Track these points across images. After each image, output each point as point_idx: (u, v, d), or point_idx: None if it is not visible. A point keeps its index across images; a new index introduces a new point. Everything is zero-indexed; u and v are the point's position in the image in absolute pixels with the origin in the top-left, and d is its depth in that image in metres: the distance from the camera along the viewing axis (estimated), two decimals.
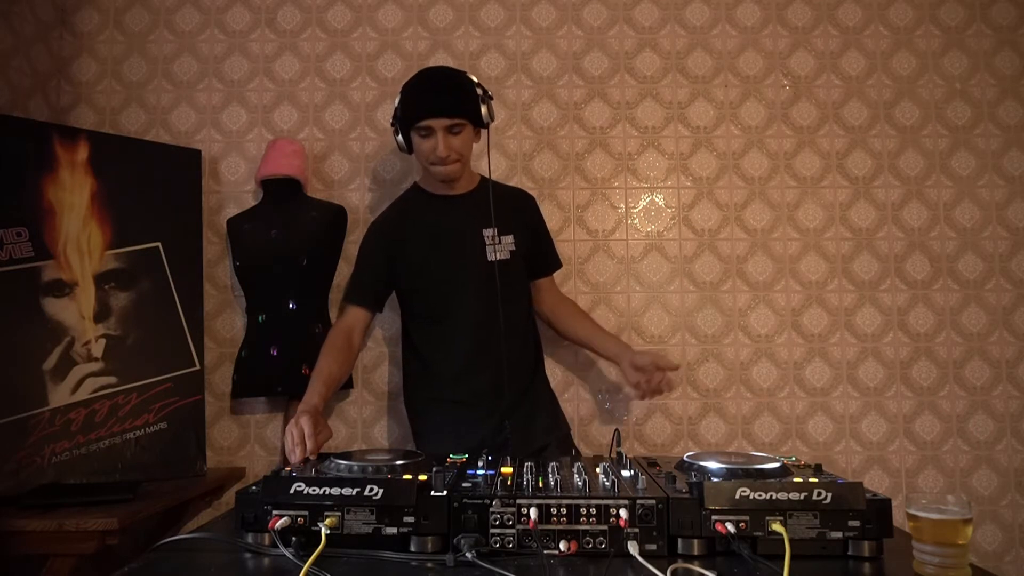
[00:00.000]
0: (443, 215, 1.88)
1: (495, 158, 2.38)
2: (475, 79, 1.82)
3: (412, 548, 1.03)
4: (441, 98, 1.75)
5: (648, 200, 2.37)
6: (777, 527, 0.99)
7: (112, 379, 1.96)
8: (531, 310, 2.02)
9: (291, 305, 2.22)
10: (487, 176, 1.90)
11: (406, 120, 1.78)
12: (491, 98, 1.84)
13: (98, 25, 2.41)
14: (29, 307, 1.88)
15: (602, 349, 1.99)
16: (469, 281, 1.84)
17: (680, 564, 0.95)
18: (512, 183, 2.36)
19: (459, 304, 1.85)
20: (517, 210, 1.95)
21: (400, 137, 1.83)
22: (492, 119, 1.83)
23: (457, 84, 1.78)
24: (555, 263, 2.09)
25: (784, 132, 2.38)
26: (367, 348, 2.32)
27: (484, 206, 1.83)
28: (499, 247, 1.85)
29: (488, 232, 1.85)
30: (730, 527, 1.00)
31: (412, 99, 1.78)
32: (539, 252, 2.01)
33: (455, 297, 1.85)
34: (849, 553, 1.02)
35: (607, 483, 1.10)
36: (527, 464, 1.21)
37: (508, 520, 1.02)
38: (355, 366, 2.29)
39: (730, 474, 1.11)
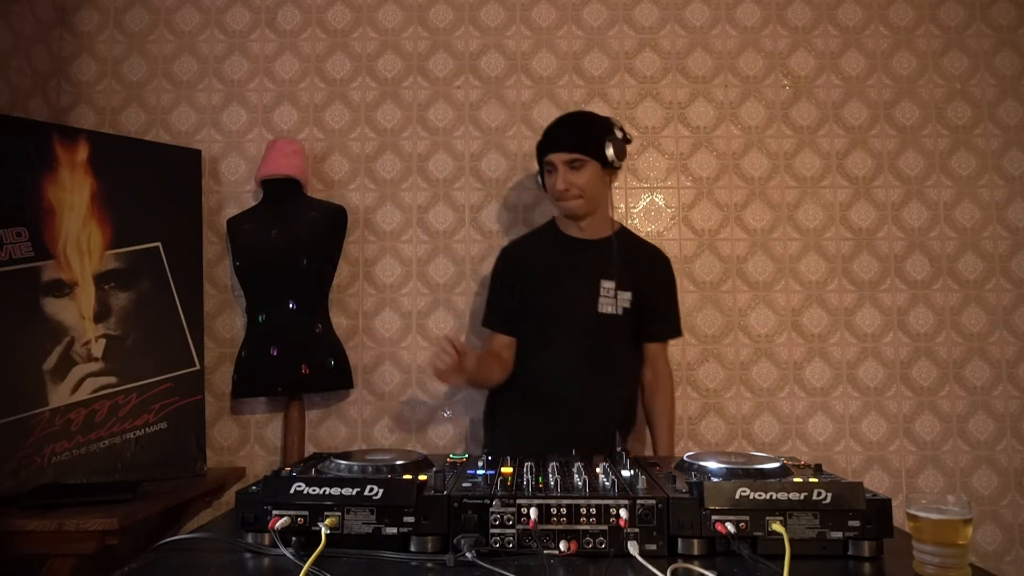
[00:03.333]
0: (566, 256, 1.88)
1: (496, 158, 2.38)
2: (617, 122, 1.85)
3: (412, 548, 1.03)
4: (562, 134, 1.81)
5: (648, 200, 2.37)
6: (777, 527, 0.99)
7: (112, 379, 1.97)
8: (634, 370, 1.94)
9: (291, 305, 2.22)
10: (626, 227, 1.95)
11: (537, 158, 1.88)
12: (628, 141, 1.86)
13: (98, 25, 2.41)
14: (29, 307, 1.88)
15: (652, 436, 1.96)
16: (574, 328, 1.83)
17: (680, 564, 0.95)
18: (511, 183, 2.37)
19: (557, 347, 1.84)
20: (645, 270, 1.90)
21: (539, 176, 1.92)
22: (621, 158, 1.82)
23: (582, 122, 1.84)
24: (668, 331, 1.97)
25: (784, 132, 2.38)
26: (367, 348, 2.32)
27: (610, 258, 1.84)
28: (612, 301, 1.83)
29: (606, 285, 1.84)
30: (730, 527, 1.00)
31: (543, 136, 1.86)
32: (656, 316, 1.92)
33: (556, 340, 1.84)
34: (849, 553, 1.02)
35: (607, 483, 1.09)
36: (527, 464, 1.21)
37: (508, 520, 1.02)
38: (355, 366, 2.30)
39: (730, 474, 1.11)
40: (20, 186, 1.90)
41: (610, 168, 1.83)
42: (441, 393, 2.32)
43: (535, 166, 2.36)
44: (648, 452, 2.02)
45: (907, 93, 2.39)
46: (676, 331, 1.99)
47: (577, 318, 1.83)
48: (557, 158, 1.79)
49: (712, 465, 1.15)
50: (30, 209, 1.91)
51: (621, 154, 1.82)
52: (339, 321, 2.31)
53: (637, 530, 1.01)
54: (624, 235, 1.93)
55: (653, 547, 1.01)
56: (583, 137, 1.79)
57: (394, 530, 1.02)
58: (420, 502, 1.03)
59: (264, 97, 2.40)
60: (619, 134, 1.83)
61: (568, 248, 1.89)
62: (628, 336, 1.90)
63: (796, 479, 1.06)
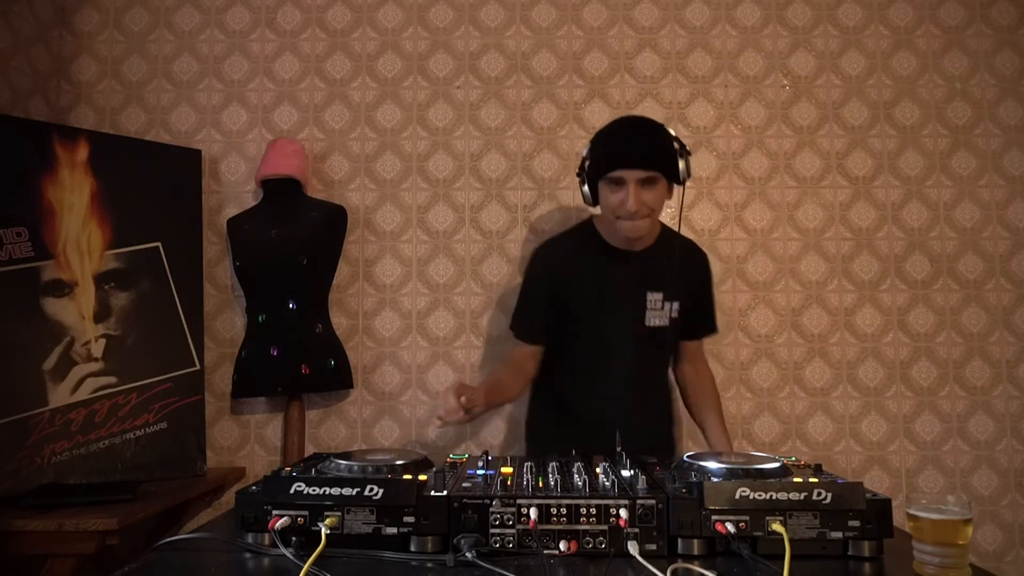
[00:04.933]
0: (611, 269, 1.75)
1: (496, 158, 2.38)
2: (673, 132, 1.68)
3: (412, 548, 1.03)
4: (637, 148, 1.61)
5: None
6: (777, 527, 0.99)
7: (112, 379, 1.97)
8: (668, 372, 1.91)
9: (291, 305, 2.22)
10: (666, 225, 1.81)
11: (597, 167, 1.63)
12: (689, 153, 1.69)
13: (98, 25, 2.41)
14: (29, 307, 1.88)
15: (705, 434, 1.87)
16: (619, 342, 1.75)
17: (680, 564, 0.95)
18: (512, 183, 2.37)
19: (606, 367, 1.76)
20: (688, 273, 1.80)
21: (586, 187, 1.69)
22: (689, 175, 1.68)
23: (655, 134, 1.64)
24: (708, 328, 1.91)
25: (784, 132, 2.38)
26: (367, 348, 2.32)
27: (656, 268, 1.74)
28: (660, 313, 1.75)
29: (653, 297, 1.74)
30: (730, 527, 1.00)
31: (606, 147, 1.64)
32: (695, 315, 1.85)
33: (602, 353, 1.75)
34: (849, 553, 1.02)
35: (607, 483, 1.09)
36: (527, 464, 1.21)
37: (508, 520, 1.02)
38: (355, 366, 2.30)
39: (730, 474, 1.11)
40: (20, 186, 1.90)
41: (676, 183, 1.67)
42: (441, 393, 2.32)
43: (534, 166, 2.37)
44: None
45: (907, 93, 2.39)
46: (715, 327, 1.93)
47: (625, 335, 1.74)
48: (630, 175, 1.58)
49: (712, 465, 1.15)
50: (30, 209, 1.91)
51: (690, 170, 1.68)
52: (339, 321, 2.31)
53: (637, 530, 1.01)
54: (666, 239, 1.79)
55: (653, 547, 1.01)
56: (660, 152, 1.62)
57: (394, 530, 1.03)
58: (420, 502, 1.03)
59: (264, 97, 2.40)
60: (678, 145, 1.66)
61: (613, 260, 1.74)
62: (670, 346, 1.85)
63: (796, 479, 1.06)
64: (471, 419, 1.53)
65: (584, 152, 1.72)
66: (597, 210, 1.74)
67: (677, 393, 1.96)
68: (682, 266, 1.76)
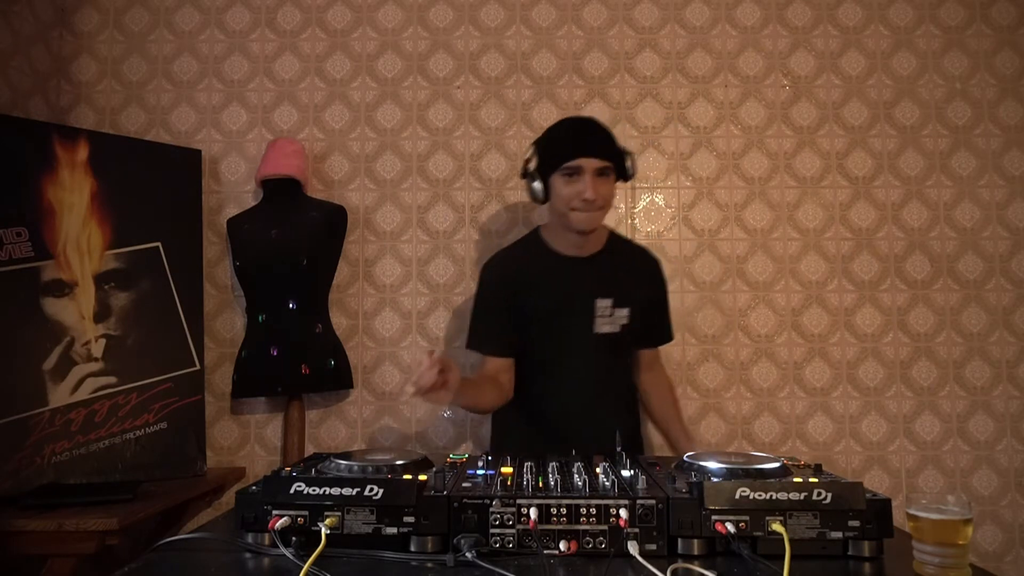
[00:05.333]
0: (559, 277, 1.76)
1: (496, 158, 2.38)
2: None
3: (412, 548, 1.03)
4: (594, 138, 1.68)
5: (648, 200, 2.38)
6: (777, 527, 0.99)
7: (112, 379, 1.97)
8: (630, 382, 1.92)
9: (291, 305, 2.22)
10: (614, 231, 1.84)
11: (552, 160, 1.67)
12: (632, 153, 1.75)
13: (98, 25, 2.41)
14: (29, 307, 1.88)
15: (669, 440, 1.90)
16: (573, 349, 1.75)
17: (680, 564, 0.95)
18: (511, 183, 2.37)
19: (556, 368, 1.77)
20: (639, 279, 1.82)
21: (537, 183, 1.70)
22: (635, 174, 1.75)
23: (606, 130, 1.71)
24: (662, 336, 1.93)
25: (784, 132, 2.38)
26: (367, 348, 2.32)
27: (604, 274, 1.76)
28: (609, 320, 1.75)
29: (602, 304, 1.74)
30: (730, 527, 1.00)
31: (561, 139, 1.69)
32: (648, 322, 1.85)
33: (555, 360, 1.76)
34: (849, 553, 1.02)
35: (607, 483, 1.09)
36: (527, 464, 1.21)
37: (508, 520, 1.02)
38: (355, 366, 2.30)
39: (730, 474, 1.11)
40: (20, 186, 1.90)
41: (623, 179, 1.73)
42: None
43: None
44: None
45: (907, 93, 2.39)
46: (670, 335, 1.94)
47: (578, 342, 1.74)
48: (588, 164, 1.63)
49: (712, 465, 1.15)
50: (30, 209, 1.91)
51: (635, 169, 1.75)
52: (339, 321, 2.31)
53: (637, 530, 1.01)
54: (615, 245, 1.83)
55: (653, 547, 1.01)
56: (612, 146, 1.69)
57: (394, 530, 1.03)
58: (420, 502, 1.03)
59: (264, 97, 2.40)
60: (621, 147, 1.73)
61: (561, 267, 1.77)
62: (626, 352, 1.87)
63: (796, 479, 1.06)
64: (449, 397, 1.44)
65: (528, 153, 1.75)
66: (545, 218, 1.77)
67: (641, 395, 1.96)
68: (632, 272, 1.78)
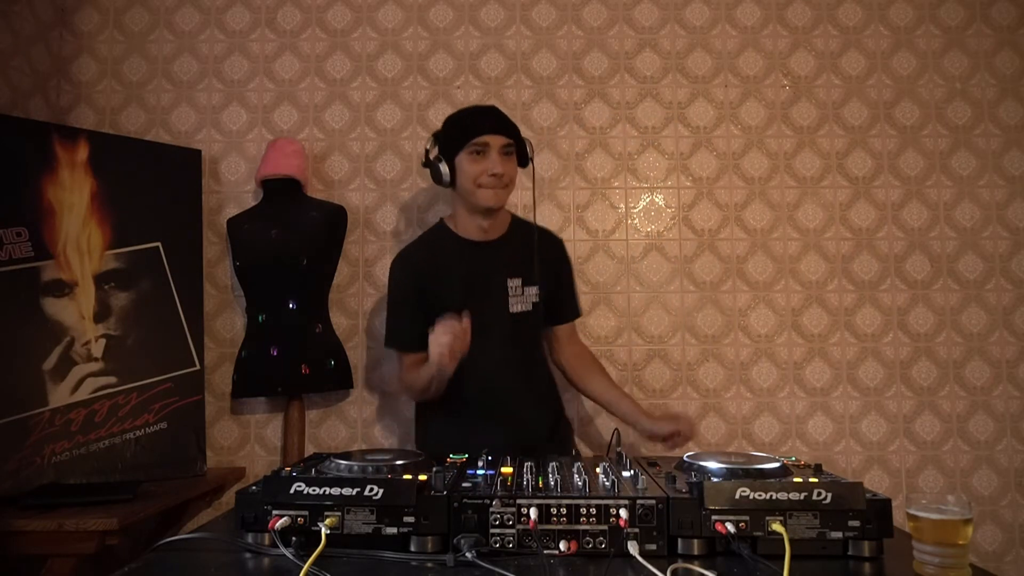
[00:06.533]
0: (469, 262, 1.81)
1: None
2: None
3: (412, 548, 1.03)
4: (499, 117, 1.76)
5: (648, 200, 2.38)
6: (777, 527, 0.99)
7: (112, 379, 1.97)
8: (546, 358, 1.96)
9: (291, 305, 2.22)
10: (516, 214, 1.89)
11: (458, 138, 1.73)
12: (530, 141, 1.85)
13: (98, 25, 2.41)
14: (29, 307, 1.88)
15: (616, 411, 1.92)
16: (488, 330, 1.75)
17: (680, 564, 0.95)
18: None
19: (475, 355, 1.73)
20: (545, 259, 1.86)
21: (443, 165, 1.76)
22: (531, 160, 1.83)
23: (506, 115, 1.79)
24: (573, 312, 1.98)
25: (784, 132, 2.38)
26: (367, 348, 2.32)
27: (512, 255, 1.81)
28: (522, 298, 1.81)
29: (513, 283, 1.81)
30: (730, 527, 1.00)
31: (467, 119, 1.76)
32: (559, 299, 1.93)
33: (474, 344, 1.72)
34: (849, 553, 1.02)
35: (607, 483, 1.10)
36: (527, 464, 1.21)
37: (508, 520, 1.02)
38: (355, 366, 2.30)
39: (730, 474, 1.11)
40: (20, 186, 1.90)
41: (522, 165, 1.82)
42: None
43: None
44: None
45: (907, 93, 2.39)
46: (576, 311, 1.99)
47: (490, 323, 1.76)
48: (495, 140, 1.70)
49: (712, 465, 1.15)
50: (30, 209, 1.91)
51: (532, 156, 1.84)
52: (339, 321, 2.31)
53: (637, 530, 1.01)
54: (518, 227, 1.88)
55: (653, 547, 1.01)
56: (515, 127, 1.77)
57: (394, 530, 1.03)
58: (420, 502, 1.03)
59: (264, 97, 2.40)
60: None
61: (469, 253, 1.81)
62: (540, 329, 1.92)
63: (796, 479, 1.06)
64: (452, 369, 1.57)
65: (428, 143, 1.81)
66: (446, 211, 1.84)
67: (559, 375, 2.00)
68: (538, 251, 1.83)
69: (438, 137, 1.81)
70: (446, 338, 1.50)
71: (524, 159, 1.81)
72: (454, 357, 1.53)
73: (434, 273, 1.81)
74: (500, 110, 1.79)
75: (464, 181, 1.74)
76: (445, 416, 1.83)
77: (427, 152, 1.81)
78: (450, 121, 1.81)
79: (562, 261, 1.96)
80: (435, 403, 1.83)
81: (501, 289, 1.80)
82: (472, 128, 1.73)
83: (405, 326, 1.82)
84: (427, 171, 2.37)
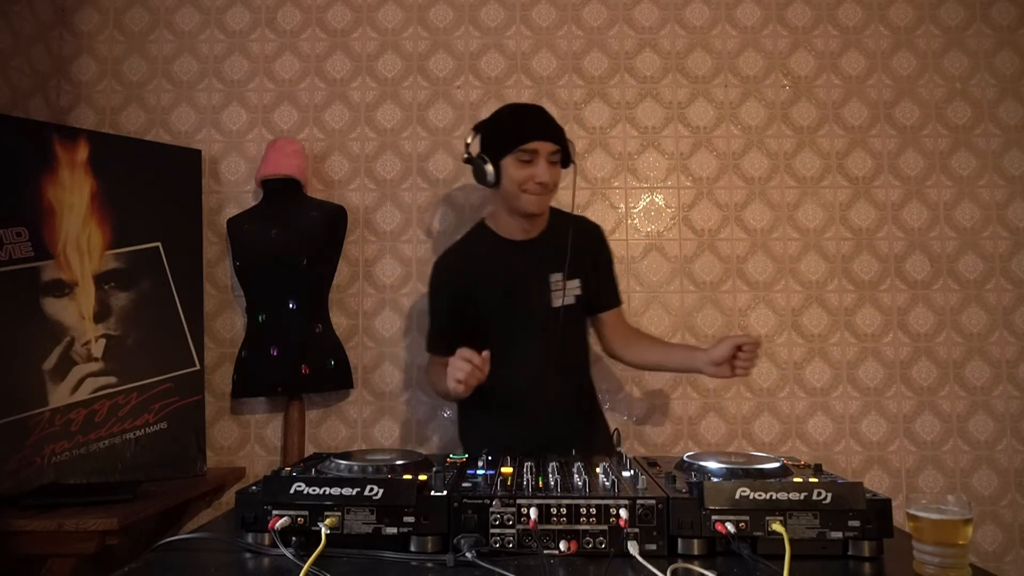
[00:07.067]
0: (511, 261, 1.80)
1: None
2: None
3: (412, 548, 1.03)
4: (549, 123, 1.72)
5: (648, 200, 2.38)
6: (777, 527, 0.99)
7: (112, 379, 1.97)
8: (587, 350, 1.94)
9: (291, 305, 2.22)
10: (553, 207, 1.84)
11: (507, 142, 1.69)
12: (572, 142, 1.80)
13: (98, 25, 2.41)
14: (29, 307, 1.88)
15: (674, 364, 1.89)
16: (533, 327, 1.77)
17: (680, 564, 0.95)
18: None
19: (520, 349, 1.78)
20: (585, 249, 1.84)
21: (489, 167, 1.72)
22: (573, 161, 1.79)
23: (553, 118, 1.75)
24: (614, 299, 1.94)
25: (784, 132, 2.38)
26: (367, 348, 2.32)
27: (553, 250, 1.78)
28: (565, 292, 1.79)
29: (555, 277, 1.79)
30: (730, 527, 1.00)
31: (517, 123, 1.72)
32: (598, 287, 1.89)
33: (517, 342, 1.77)
34: (849, 553, 1.02)
35: (607, 483, 1.10)
36: (527, 464, 1.21)
37: (508, 520, 1.02)
38: (355, 366, 2.30)
39: (730, 474, 1.11)
40: (20, 186, 1.90)
41: (565, 167, 1.78)
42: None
43: None
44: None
45: (907, 93, 2.39)
46: (618, 298, 1.95)
47: (536, 320, 1.77)
48: (544, 147, 1.68)
49: (712, 465, 1.15)
50: (30, 209, 1.91)
51: (574, 157, 1.79)
52: (339, 321, 2.31)
53: (637, 530, 1.01)
54: (557, 220, 1.84)
55: (653, 547, 1.01)
56: (562, 132, 1.73)
57: (394, 530, 1.03)
58: (420, 502, 1.03)
59: (264, 97, 2.40)
60: None
61: (510, 252, 1.80)
62: (583, 321, 1.90)
63: (796, 479, 1.06)
64: (466, 393, 1.54)
65: (470, 139, 1.78)
66: (487, 210, 1.81)
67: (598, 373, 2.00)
68: (578, 242, 1.79)
69: (482, 134, 1.77)
70: (462, 373, 1.48)
71: (567, 160, 1.77)
72: (468, 389, 1.52)
73: (475, 277, 1.79)
74: (548, 113, 1.75)
75: (509, 185, 1.71)
76: (487, 410, 1.83)
77: (468, 146, 1.78)
78: (498, 120, 1.76)
79: (599, 248, 1.91)
80: (478, 397, 1.82)
81: (544, 285, 1.79)
82: (522, 134, 1.69)
83: (436, 331, 1.85)
84: (425, 169, 2.38)
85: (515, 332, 1.78)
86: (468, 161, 1.79)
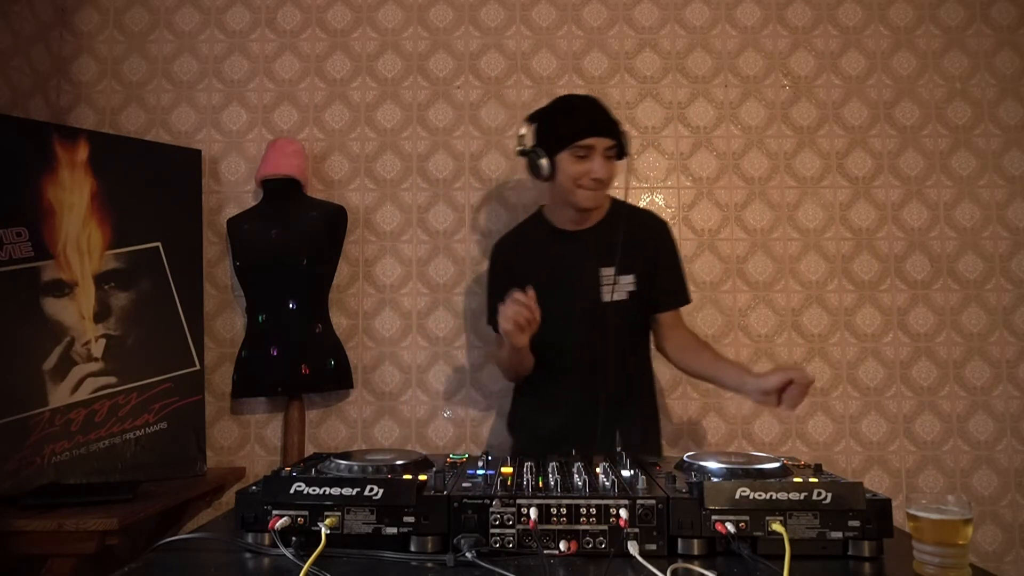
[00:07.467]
0: (562, 251, 1.78)
1: (495, 158, 2.38)
2: None
3: (412, 548, 1.03)
4: (605, 118, 1.68)
5: (648, 200, 2.37)
6: (777, 527, 0.99)
7: (112, 379, 1.97)
8: (646, 351, 1.88)
9: (291, 305, 2.22)
10: (616, 198, 1.82)
11: (563, 137, 1.66)
12: (626, 132, 1.75)
13: (98, 25, 2.41)
14: (29, 307, 1.88)
15: (723, 382, 1.74)
16: (580, 321, 1.74)
17: (680, 564, 0.95)
18: (511, 183, 2.37)
19: (568, 343, 1.75)
20: (644, 243, 1.78)
21: (544, 161, 1.69)
22: (628, 152, 1.74)
23: (608, 110, 1.72)
24: (680, 299, 1.85)
25: (784, 132, 2.38)
26: (367, 348, 2.32)
27: (605, 243, 1.74)
28: (616, 287, 1.74)
29: (606, 272, 1.74)
30: (730, 527, 1.00)
31: (573, 118, 1.68)
32: (657, 285, 1.80)
33: (565, 336, 1.74)
34: (849, 553, 1.02)
35: (607, 483, 1.09)
36: (527, 464, 1.21)
37: (508, 520, 1.02)
38: (355, 366, 2.30)
39: (730, 474, 1.11)
40: (20, 186, 1.90)
41: (620, 159, 1.73)
42: (441, 393, 2.32)
43: None
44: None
45: (907, 93, 2.39)
46: (686, 297, 1.86)
47: (584, 314, 1.75)
48: (600, 143, 1.64)
49: (712, 465, 1.15)
50: (30, 209, 1.91)
51: (628, 149, 1.75)
52: (339, 321, 2.31)
53: (637, 530, 1.01)
54: (617, 212, 1.80)
55: (653, 547, 1.01)
56: (618, 126, 1.69)
57: (394, 530, 1.02)
58: (420, 502, 1.03)
59: (264, 97, 2.40)
60: None
61: (563, 241, 1.79)
62: (638, 319, 1.82)
63: (796, 479, 1.06)
64: (522, 342, 1.55)
65: (523, 130, 1.75)
66: (544, 199, 1.82)
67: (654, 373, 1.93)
68: (634, 237, 1.75)
69: (537, 127, 1.73)
70: (510, 310, 1.50)
71: (621, 153, 1.73)
72: (520, 328, 1.51)
73: (524, 258, 1.81)
74: (604, 105, 1.72)
75: (564, 180, 1.69)
76: (535, 399, 1.83)
77: (521, 138, 1.75)
78: (554, 114, 1.73)
79: (660, 244, 1.83)
80: (528, 385, 1.84)
81: (593, 278, 1.75)
82: (579, 129, 1.66)
83: (493, 309, 1.79)
84: (425, 169, 2.38)
85: (561, 322, 1.72)
86: (522, 154, 1.76)
